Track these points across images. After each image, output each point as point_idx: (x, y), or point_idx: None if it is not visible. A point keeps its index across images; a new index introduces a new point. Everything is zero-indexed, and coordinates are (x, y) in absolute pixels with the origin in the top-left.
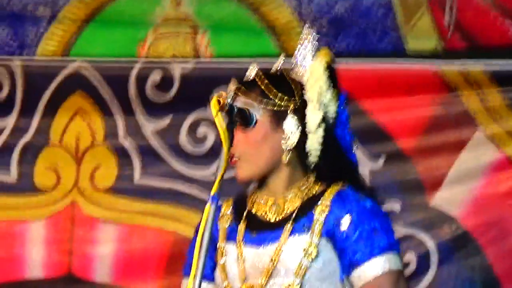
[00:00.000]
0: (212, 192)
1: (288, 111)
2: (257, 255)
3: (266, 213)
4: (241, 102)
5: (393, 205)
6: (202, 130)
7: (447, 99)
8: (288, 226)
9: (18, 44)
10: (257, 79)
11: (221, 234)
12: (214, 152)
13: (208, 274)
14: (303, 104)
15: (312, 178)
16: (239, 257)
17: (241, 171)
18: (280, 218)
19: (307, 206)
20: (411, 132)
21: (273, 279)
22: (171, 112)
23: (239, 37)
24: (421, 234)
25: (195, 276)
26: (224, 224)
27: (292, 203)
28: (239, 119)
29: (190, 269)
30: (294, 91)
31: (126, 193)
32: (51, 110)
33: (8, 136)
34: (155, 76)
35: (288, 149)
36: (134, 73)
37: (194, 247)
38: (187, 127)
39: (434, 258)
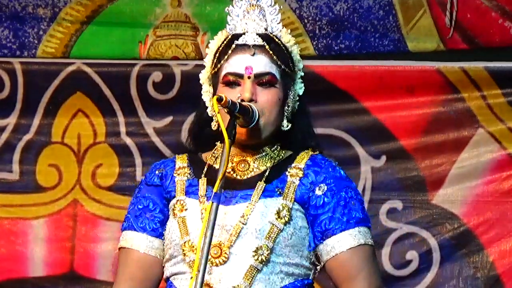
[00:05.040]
0: (215, 190)
1: (294, 77)
2: (224, 213)
3: (233, 169)
4: (264, 59)
5: (395, 203)
6: None
7: (448, 98)
8: (261, 186)
9: (18, 45)
10: (276, 40)
11: (179, 187)
12: None
13: (155, 229)
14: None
15: (279, 145)
16: (202, 213)
17: (263, 132)
18: (250, 177)
19: (279, 168)
20: (413, 131)
21: (241, 239)
22: (172, 110)
23: None
24: (423, 232)
25: (197, 274)
26: (181, 176)
27: (263, 163)
28: (268, 77)
29: (129, 224)
30: (293, 58)
31: (128, 191)
32: (53, 109)
33: (10, 135)
34: (156, 76)
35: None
36: (134, 73)
37: (136, 199)
38: (188, 126)
39: (436, 256)
